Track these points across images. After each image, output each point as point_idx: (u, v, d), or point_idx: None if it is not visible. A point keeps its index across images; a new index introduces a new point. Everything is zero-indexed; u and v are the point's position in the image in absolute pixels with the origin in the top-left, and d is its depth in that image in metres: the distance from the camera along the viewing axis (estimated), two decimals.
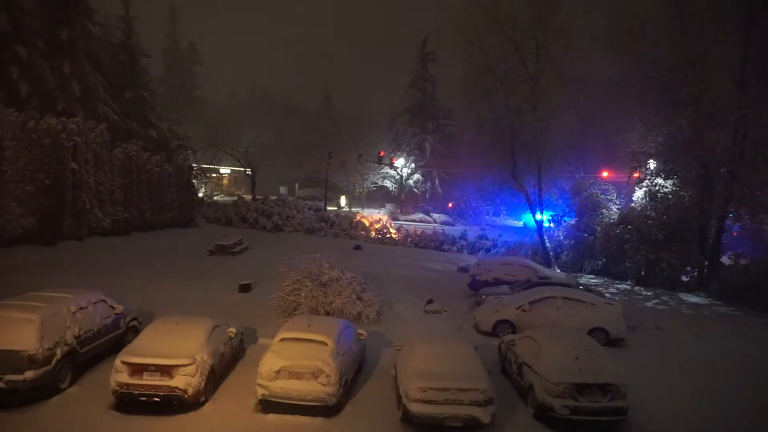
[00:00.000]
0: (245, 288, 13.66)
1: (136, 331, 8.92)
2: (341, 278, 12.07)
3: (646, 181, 19.24)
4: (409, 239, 27.40)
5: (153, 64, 30.27)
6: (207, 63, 41.58)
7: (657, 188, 19.08)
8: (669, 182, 18.80)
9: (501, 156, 21.29)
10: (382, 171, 45.85)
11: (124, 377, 6.76)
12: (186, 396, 6.82)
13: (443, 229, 29.85)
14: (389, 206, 43.61)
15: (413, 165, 46.56)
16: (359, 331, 9.04)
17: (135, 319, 9.42)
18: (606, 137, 21.93)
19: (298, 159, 40.55)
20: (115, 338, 8.65)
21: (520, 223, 38.42)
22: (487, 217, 42.48)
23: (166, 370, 6.80)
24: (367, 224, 29.32)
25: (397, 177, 47.44)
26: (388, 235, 28.15)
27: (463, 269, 19.02)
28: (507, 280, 14.69)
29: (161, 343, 7.16)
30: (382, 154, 38.06)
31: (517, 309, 11.25)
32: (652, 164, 18.92)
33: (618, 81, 18.36)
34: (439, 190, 46.46)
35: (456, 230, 31.53)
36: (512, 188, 21.78)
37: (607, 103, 20.67)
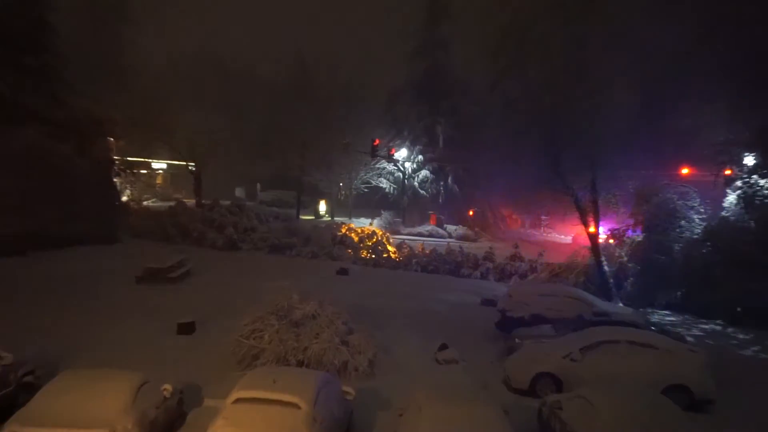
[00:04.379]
0: (186, 328, 13.59)
1: (31, 390, 8.80)
2: (319, 315, 12.08)
3: (739, 181, 19.39)
4: (414, 260, 27.43)
5: (67, 21, 30.33)
6: (141, 23, 41.83)
7: (755, 191, 19.20)
8: None
9: (539, 146, 21.45)
10: (376, 166, 46.20)
11: None
12: None
13: (461, 247, 29.96)
14: (387, 215, 43.84)
15: (420, 158, 46.97)
16: (345, 388, 9.00)
17: (30, 372, 9.35)
18: (684, 122, 22.17)
19: (261, 151, 40.73)
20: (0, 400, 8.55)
21: (568, 239, 38.65)
22: (522, 229, 42.77)
23: None
24: (356, 239, 29.35)
25: (398, 174, 47.75)
26: (386, 255, 28.16)
27: (489, 302, 18.99)
28: (550, 317, 14.69)
29: (67, 407, 7.09)
30: (377, 143, 38.27)
31: (564, 357, 11.25)
32: (748, 158, 19.08)
33: (704, 43, 18.50)
34: (456, 192, 46.75)
35: (479, 248, 31.63)
36: (555, 190, 21.92)
37: (685, 75, 20.94)
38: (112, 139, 29.62)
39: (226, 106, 35.04)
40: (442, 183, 47.44)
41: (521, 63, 20.82)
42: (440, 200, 47.38)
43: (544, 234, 44.15)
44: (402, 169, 47.24)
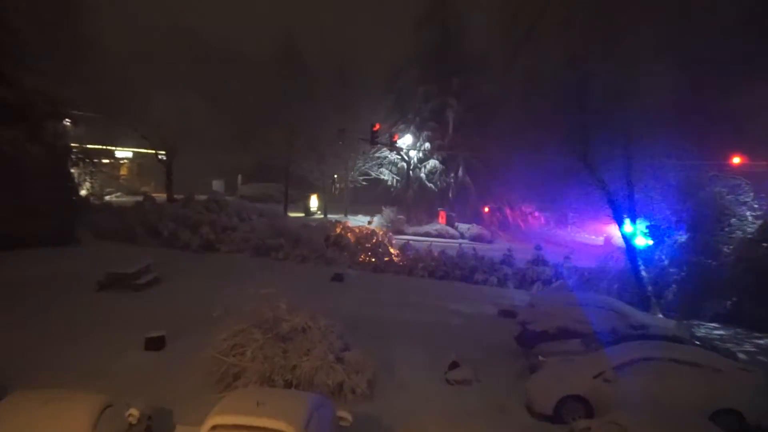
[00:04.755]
0: (156, 343, 13.61)
1: None
2: (311, 327, 12.08)
3: None
4: (420, 264, 27.48)
5: None
6: None
7: None
8: None
9: (566, 131, 21.44)
10: (376, 155, 46.34)
11: None
12: None
13: (474, 249, 29.98)
14: (389, 212, 43.94)
15: (427, 145, 47.04)
16: (340, 412, 9.00)
17: None
18: (736, 102, 22.07)
19: (242, 138, 40.78)
20: None
21: (599, 240, 38.66)
22: (546, 229, 42.82)
23: None
24: (353, 240, 29.39)
25: (401, 165, 47.83)
26: (387, 258, 28.20)
27: (508, 313, 19.03)
28: (578, 330, 14.71)
29: None
30: (377, 128, 38.28)
31: (594, 378, 11.25)
32: None
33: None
34: (469, 185, 46.80)
35: (496, 250, 31.65)
36: (584, 183, 21.91)
37: (738, 46, 20.79)
38: (68, 122, 29.61)
39: (204, 86, 35.08)
40: (452, 175, 47.53)
41: (544, 31, 20.76)
42: (451, 195, 47.50)
43: (572, 234, 44.16)
44: (406, 158, 47.34)
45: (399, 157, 47.68)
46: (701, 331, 18.05)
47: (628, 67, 19.94)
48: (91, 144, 36.37)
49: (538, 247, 29.14)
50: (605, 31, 20.08)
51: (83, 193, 32.56)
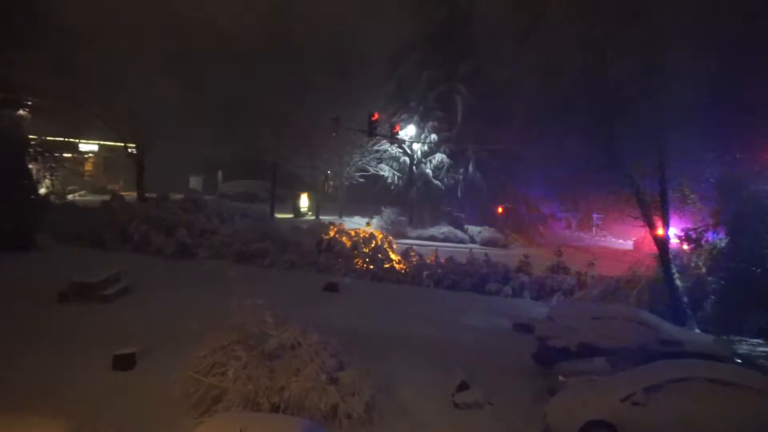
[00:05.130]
0: (125, 361, 13.61)
1: None
2: (301, 344, 12.11)
3: None
4: (425, 272, 27.54)
5: None
6: None
7: None
8: None
9: (589, 121, 21.41)
10: (375, 149, 46.31)
11: None
12: None
13: (487, 255, 30.02)
14: (389, 212, 44.02)
15: (433, 138, 47.08)
16: None
17: None
18: None
19: (224, 128, 40.76)
20: None
21: (627, 244, 38.70)
22: (567, 232, 42.83)
23: None
24: (349, 245, 29.44)
25: (404, 159, 47.82)
26: (387, 265, 28.25)
27: (524, 327, 19.06)
28: (603, 346, 14.75)
29: None
30: (376, 117, 38.25)
31: (622, 401, 11.26)
32: None
33: None
34: (480, 182, 46.84)
35: (511, 256, 31.73)
36: (611, 179, 21.90)
37: None
38: (25, 112, 29.63)
39: (180, 69, 34.95)
40: (462, 170, 47.58)
41: (563, 6, 20.74)
42: (459, 193, 47.56)
43: (597, 238, 44.32)
44: (409, 152, 47.36)
45: (401, 150, 47.69)
46: (743, 348, 18.03)
47: (659, 48, 19.89)
48: (51, 136, 36.42)
49: (558, 253, 29.18)
50: (633, 5, 20.07)
51: (43, 191, 32.52)
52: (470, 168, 47.25)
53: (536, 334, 16.25)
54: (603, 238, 44.00)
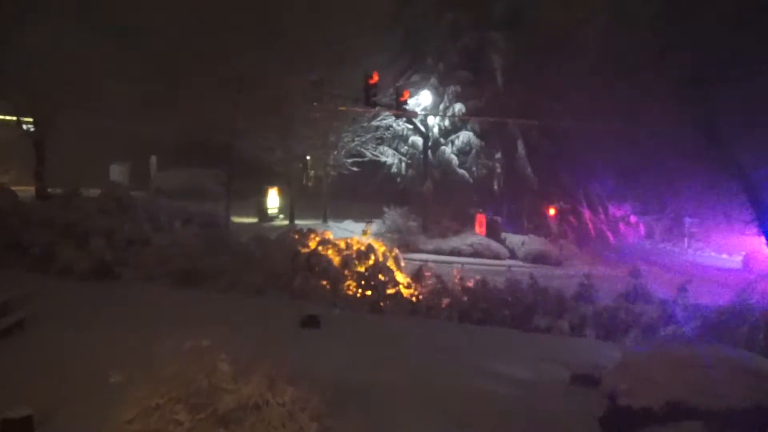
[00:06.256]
0: (17, 428, 13.58)
1: None
2: (268, 402, 12.04)
3: None
4: (445, 300, 27.45)
5: None
6: None
7: None
8: None
9: (680, 87, 21.42)
10: (374, 125, 46.25)
11: None
12: None
13: (533, 276, 29.88)
14: (395, 215, 44.02)
15: (458, 108, 47.10)
16: None
17: None
18: None
19: (160, 98, 40.80)
20: None
21: (735, 261, 38.60)
22: (648, 243, 42.85)
23: None
24: (338, 261, 29.34)
25: (414, 140, 47.86)
26: (392, 290, 28.15)
27: (586, 379, 18.94)
28: (701, 407, 14.60)
29: None
30: (376, 79, 38.34)
31: None
32: None
33: None
34: (525, 172, 46.86)
35: (567, 277, 31.62)
36: (710, 170, 21.91)
37: None
38: None
39: (98, 17, 35.01)
40: (498, 156, 47.57)
41: None
42: (496, 187, 47.48)
43: (690, 251, 44.22)
44: (423, 129, 47.38)
45: (411, 127, 47.81)
46: None
47: None
48: None
49: (635, 273, 29.09)
50: None
51: None
52: (518, 150, 47.09)
53: (605, 389, 16.14)
54: (699, 252, 43.95)
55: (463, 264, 33.20)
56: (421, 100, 46.30)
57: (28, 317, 20.30)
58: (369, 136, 46.89)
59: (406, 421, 15.24)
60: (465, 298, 27.63)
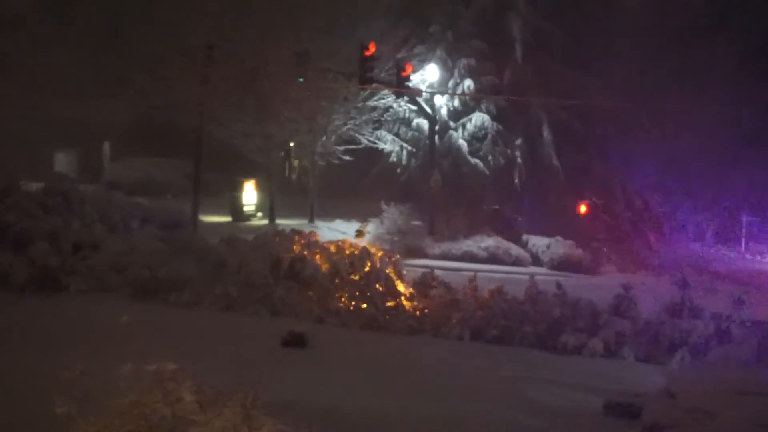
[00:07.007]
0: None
1: None
2: None
3: None
4: (455, 315, 27.47)
5: None
6: None
7: None
8: None
9: (734, 62, 21.46)
10: (371, 105, 46.32)
11: None
12: None
13: (560, 285, 29.87)
14: (395, 213, 44.04)
15: (470, 86, 47.10)
16: None
17: None
18: None
19: (113, 73, 40.72)
20: None
21: None
22: (697, 246, 42.88)
23: None
24: (326, 268, 29.40)
25: (418, 122, 47.87)
26: (392, 302, 28.21)
27: (624, 408, 19.01)
28: None
29: None
30: (372, 50, 38.31)
31: None
32: None
33: None
34: (551, 163, 46.92)
35: (601, 287, 31.69)
36: None
37: None
38: None
39: None
40: (518, 142, 47.61)
41: None
42: (517, 181, 47.48)
43: (749, 256, 44.20)
44: (429, 110, 47.39)
45: (414, 108, 47.79)
46: None
47: None
48: None
49: (682, 283, 29.12)
50: None
51: None
52: (542, 135, 47.08)
53: (645, 422, 16.23)
54: (759, 257, 43.96)
55: (476, 272, 33.11)
56: (427, 75, 46.26)
57: None
58: (364, 118, 46.80)
59: None
60: (479, 313, 27.59)
